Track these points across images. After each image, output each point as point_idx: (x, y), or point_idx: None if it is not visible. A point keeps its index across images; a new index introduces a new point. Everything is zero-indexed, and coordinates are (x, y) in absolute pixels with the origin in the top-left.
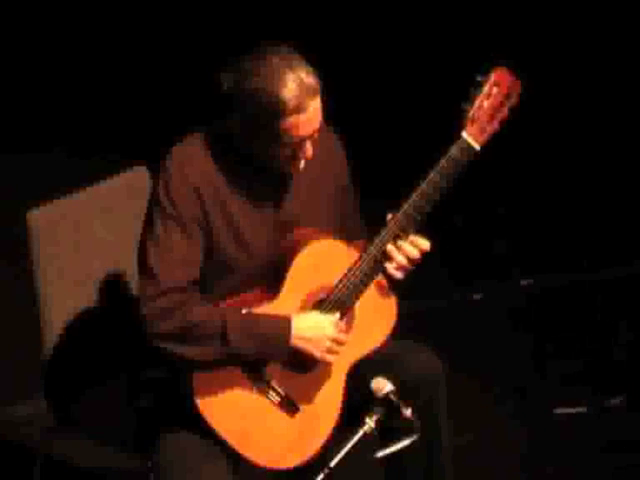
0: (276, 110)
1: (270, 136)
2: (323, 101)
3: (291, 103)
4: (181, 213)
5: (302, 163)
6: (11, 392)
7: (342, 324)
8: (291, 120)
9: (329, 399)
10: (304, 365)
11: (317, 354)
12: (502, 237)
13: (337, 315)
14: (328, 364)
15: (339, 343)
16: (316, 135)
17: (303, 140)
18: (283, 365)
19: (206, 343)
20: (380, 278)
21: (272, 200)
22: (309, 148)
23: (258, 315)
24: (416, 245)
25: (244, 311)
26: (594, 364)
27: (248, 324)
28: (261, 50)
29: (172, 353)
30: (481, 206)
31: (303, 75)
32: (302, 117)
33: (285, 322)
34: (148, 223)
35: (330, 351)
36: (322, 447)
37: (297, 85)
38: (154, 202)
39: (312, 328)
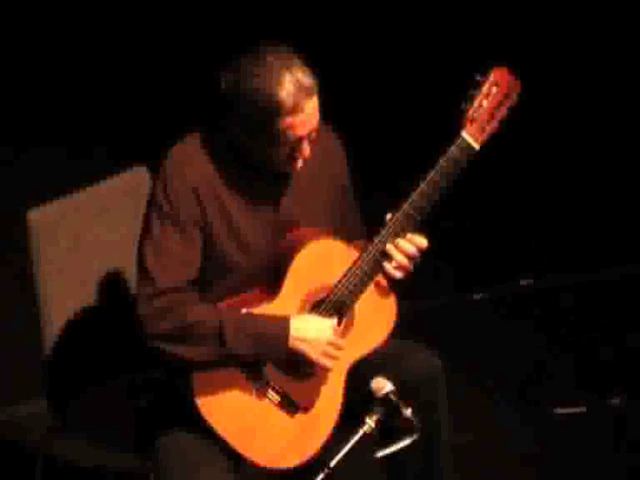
0: (273, 110)
1: (267, 136)
2: (323, 101)
3: (288, 103)
4: (179, 213)
5: (300, 163)
6: (11, 392)
7: (340, 328)
8: (288, 120)
9: (329, 399)
10: (301, 370)
11: (314, 356)
12: (502, 236)
13: (335, 319)
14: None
15: (336, 347)
16: (314, 135)
17: (300, 140)
18: (282, 368)
19: (203, 343)
20: (380, 278)
21: (271, 200)
22: (306, 148)
23: (256, 315)
24: (413, 242)
25: (243, 311)
26: (594, 364)
27: (245, 324)
28: (258, 50)
29: (169, 353)
30: (481, 206)
31: (300, 75)
32: (299, 117)
33: (284, 323)
34: (146, 223)
35: (327, 354)
36: (322, 447)
37: (294, 85)
38: (152, 202)
39: (311, 330)
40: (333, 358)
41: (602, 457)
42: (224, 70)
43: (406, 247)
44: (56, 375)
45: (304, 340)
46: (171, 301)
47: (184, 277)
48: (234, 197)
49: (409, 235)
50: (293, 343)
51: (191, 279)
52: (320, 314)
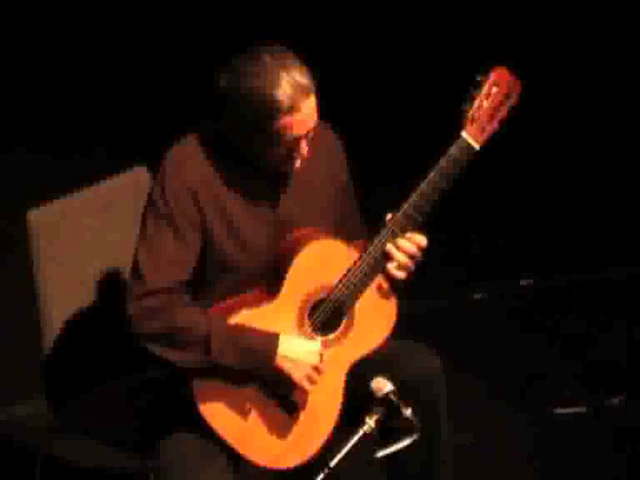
0: (270, 110)
1: (265, 136)
2: (322, 100)
3: (285, 103)
4: (175, 213)
5: (299, 162)
6: (11, 392)
7: (325, 352)
8: (285, 120)
9: (329, 399)
10: (280, 390)
11: (297, 377)
12: (502, 236)
13: (319, 342)
14: (329, 364)
15: (319, 373)
16: (311, 134)
17: (299, 139)
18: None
19: (189, 348)
20: (382, 279)
21: (271, 200)
22: (304, 147)
23: (246, 328)
24: (413, 241)
25: (244, 311)
26: (594, 364)
27: (233, 335)
28: (256, 50)
29: (155, 354)
30: (481, 206)
31: (297, 75)
32: (296, 117)
33: (273, 340)
34: (143, 223)
35: (309, 378)
36: (322, 447)
37: (291, 85)
38: (150, 202)
39: (299, 352)
40: (314, 383)
41: (602, 457)
42: (222, 70)
43: (406, 246)
44: (56, 375)
45: (290, 360)
46: (161, 302)
47: (176, 278)
48: (234, 197)
49: (409, 234)
50: (279, 361)
51: (184, 280)
52: (319, 314)
